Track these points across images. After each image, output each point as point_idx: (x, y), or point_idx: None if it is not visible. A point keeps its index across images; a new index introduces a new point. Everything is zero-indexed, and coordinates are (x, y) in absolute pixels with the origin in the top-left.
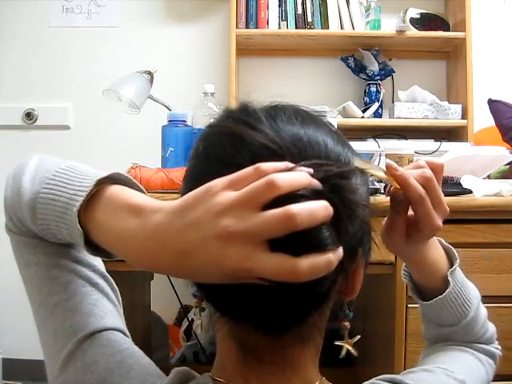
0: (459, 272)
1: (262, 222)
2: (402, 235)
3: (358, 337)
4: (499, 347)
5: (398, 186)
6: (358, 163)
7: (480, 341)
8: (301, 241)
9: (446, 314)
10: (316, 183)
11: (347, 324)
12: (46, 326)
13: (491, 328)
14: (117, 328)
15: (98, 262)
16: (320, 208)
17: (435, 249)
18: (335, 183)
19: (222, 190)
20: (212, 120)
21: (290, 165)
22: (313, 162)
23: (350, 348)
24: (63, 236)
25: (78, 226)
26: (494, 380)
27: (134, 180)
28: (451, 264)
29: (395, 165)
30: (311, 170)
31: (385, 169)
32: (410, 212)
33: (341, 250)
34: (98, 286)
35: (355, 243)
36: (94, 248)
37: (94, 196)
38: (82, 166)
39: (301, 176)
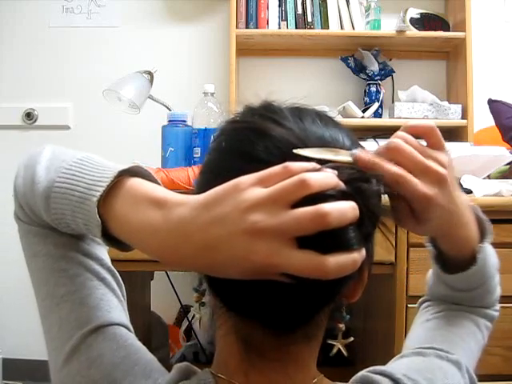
0: (488, 244)
1: (293, 219)
2: (412, 222)
3: (352, 339)
4: (498, 307)
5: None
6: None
7: (485, 305)
8: (329, 239)
9: (462, 282)
10: (342, 185)
11: (342, 326)
12: (50, 317)
13: (498, 292)
14: (122, 323)
15: (105, 256)
16: (349, 208)
17: (465, 226)
18: (358, 186)
19: (250, 186)
20: (232, 116)
21: (317, 166)
22: (337, 164)
23: (341, 348)
24: (78, 226)
25: (97, 216)
26: (494, 380)
27: (152, 174)
28: (482, 237)
29: (362, 154)
30: (336, 172)
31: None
32: None
33: (364, 251)
34: (105, 281)
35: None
36: (111, 239)
37: (114, 187)
38: (98, 157)
39: (330, 177)
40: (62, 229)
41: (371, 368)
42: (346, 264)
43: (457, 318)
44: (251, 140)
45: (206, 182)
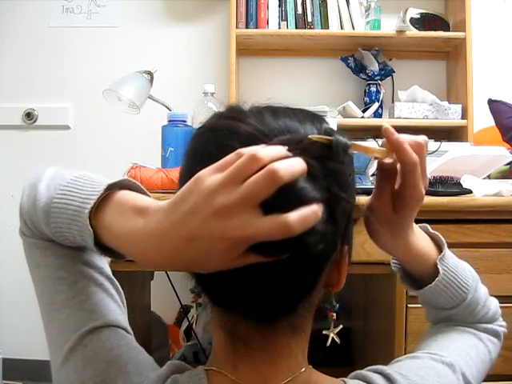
0: (450, 257)
1: (250, 186)
2: (389, 209)
3: (341, 326)
4: (503, 323)
5: (388, 158)
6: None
7: (482, 321)
8: (287, 199)
9: (442, 299)
10: (290, 155)
11: (333, 314)
12: (52, 322)
13: (493, 306)
14: (118, 325)
15: (105, 265)
16: (296, 162)
17: (420, 239)
18: (301, 147)
19: (209, 176)
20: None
21: (265, 145)
22: (283, 138)
23: (334, 336)
24: (74, 238)
25: (89, 227)
26: (494, 380)
27: (141, 186)
28: (440, 250)
29: (392, 129)
30: (285, 147)
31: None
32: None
33: (321, 205)
34: (103, 287)
35: (340, 234)
36: (104, 249)
37: (104, 200)
38: (94, 175)
39: (279, 148)
40: (61, 241)
41: (367, 368)
42: (307, 215)
43: (454, 331)
44: (212, 140)
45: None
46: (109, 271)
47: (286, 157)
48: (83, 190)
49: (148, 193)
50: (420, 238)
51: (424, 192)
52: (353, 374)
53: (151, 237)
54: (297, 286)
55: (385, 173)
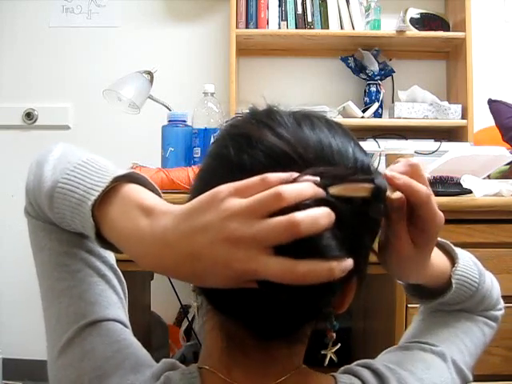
0: (462, 261)
1: (267, 229)
2: (409, 244)
3: (339, 345)
4: (502, 306)
5: (395, 196)
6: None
7: (485, 309)
8: (304, 246)
9: (446, 300)
10: (321, 193)
11: (333, 334)
12: (51, 309)
13: (495, 294)
14: (118, 320)
15: (108, 254)
16: (323, 214)
17: (435, 257)
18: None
19: (228, 196)
20: (234, 119)
21: (295, 174)
22: (319, 169)
23: (332, 356)
24: (77, 226)
25: (91, 219)
26: (494, 380)
27: (150, 180)
28: (452, 261)
29: (396, 174)
30: (317, 179)
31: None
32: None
33: (350, 261)
34: (106, 278)
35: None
36: (105, 241)
37: (110, 192)
38: (102, 160)
39: (306, 187)
40: (64, 227)
41: (355, 362)
42: (318, 271)
43: (450, 316)
44: (242, 148)
45: (197, 189)
46: (112, 260)
47: (315, 197)
48: (88, 177)
49: (157, 187)
50: (435, 255)
51: (442, 214)
52: (342, 368)
53: (154, 243)
54: (301, 312)
55: (396, 211)
